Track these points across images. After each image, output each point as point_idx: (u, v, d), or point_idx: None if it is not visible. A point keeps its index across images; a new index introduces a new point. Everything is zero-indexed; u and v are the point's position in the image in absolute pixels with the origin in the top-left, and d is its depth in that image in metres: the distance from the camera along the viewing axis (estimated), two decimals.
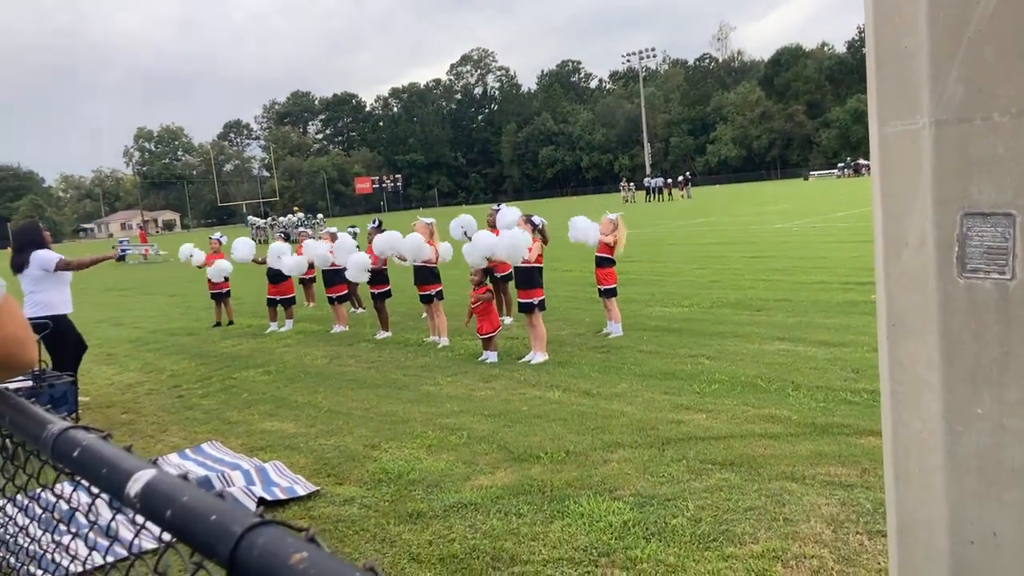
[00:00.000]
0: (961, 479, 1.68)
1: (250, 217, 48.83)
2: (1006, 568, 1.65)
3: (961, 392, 1.66)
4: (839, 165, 64.03)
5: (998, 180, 1.59)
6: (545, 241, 7.53)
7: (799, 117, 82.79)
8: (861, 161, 59.10)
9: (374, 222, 10.09)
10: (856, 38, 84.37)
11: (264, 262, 10.80)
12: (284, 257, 10.43)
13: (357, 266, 8.97)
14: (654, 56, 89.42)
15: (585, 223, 8.08)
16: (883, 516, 3.42)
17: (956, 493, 1.69)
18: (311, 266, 12.94)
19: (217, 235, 12.19)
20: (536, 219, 7.43)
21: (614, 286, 8.33)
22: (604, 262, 8.26)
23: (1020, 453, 1.63)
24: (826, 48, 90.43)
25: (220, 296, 11.85)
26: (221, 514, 0.71)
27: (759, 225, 21.81)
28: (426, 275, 8.65)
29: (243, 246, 10.91)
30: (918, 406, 1.73)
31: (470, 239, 7.86)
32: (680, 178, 54.45)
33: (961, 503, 1.69)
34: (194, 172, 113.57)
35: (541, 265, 7.32)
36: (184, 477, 0.81)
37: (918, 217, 1.69)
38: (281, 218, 43.13)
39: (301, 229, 16.55)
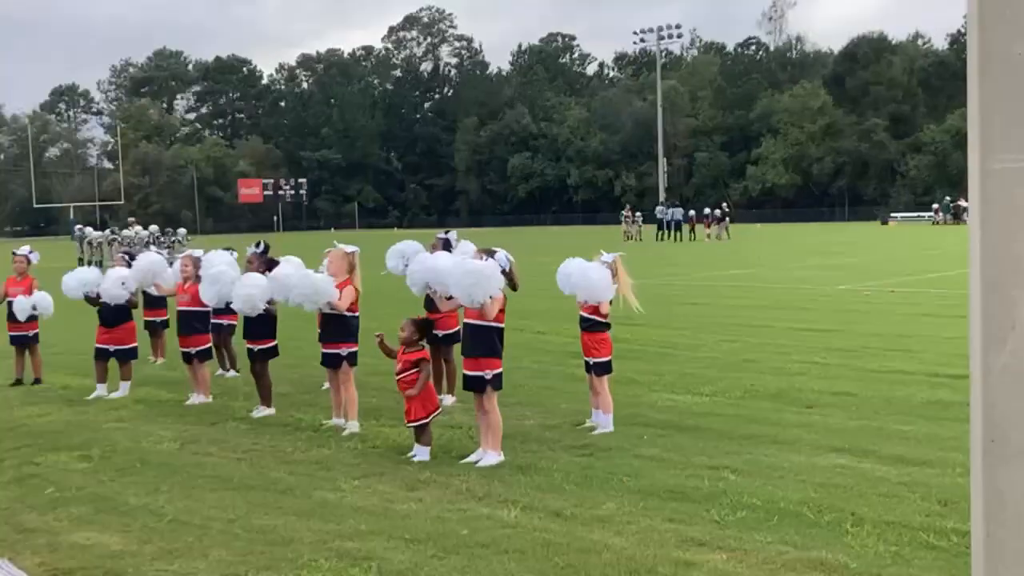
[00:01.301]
0: None
1: (79, 227, 47.83)
2: None
3: None
4: (934, 207, 66.11)
5: None
6: (513, 287, 7.57)
7: (879, 135, 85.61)
8: (963, 203, 60.79)
9: (258, 245, 10.10)
10: (963, 30, 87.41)
11: (98, 298, 10.71)
12: (165, 273, 10.57)
13: (250, 292, 8.93)
14: (679, 36, 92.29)
15: (597, 273, 8.17)
16: None
17: None
18: (159, 302, 12.94)
19: (25, 249, 12.02)
20: (500, 255, 7.47)
21: (608, 359, 8.41)
22: (595, 325, 8.35)
23: None
24: (921, 42, 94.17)
25: (23, 342, 11.68)
26: None
27: (816, 284, 22.30)
28: (336, 328, 8.65)
29: (84, 276, 10.93)
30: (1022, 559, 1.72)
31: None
32: (711, 211, 55.53)
33: None
34: (0, 156, 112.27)
35: (502, 324, 7.37)
36: None
37: None
38: (126, 231, 42.62)
39: (153, 250, 16.39)
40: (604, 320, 8.36)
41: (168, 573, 5.21)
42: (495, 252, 7.46)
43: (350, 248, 8.84)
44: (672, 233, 52.30)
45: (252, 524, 5.98)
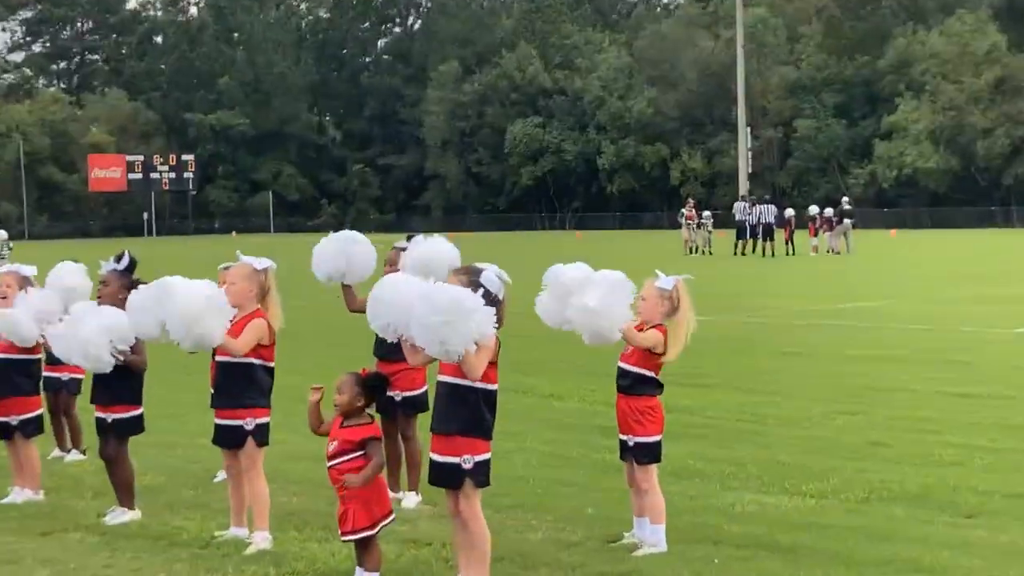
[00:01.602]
0: None
1: None
2: None
3: None
4: None
5: None
6: (499, 322, 7.53)
7: None
8: None
9: (118, 259, 10.11)
10: None
11: None
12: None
13: (91, 339, 8.90)
14: None
15: (613, 281, 8.13)
16: None
17: None
18: None
19: None
20: (491, 274, 7.45)
21: (657, 439, 8.36)
22: (641, 384, 8.32)
23: None
24: None
25: None
26: None
27: (981, 324, 22.28)
28: (236, 386, 8.66)
29: None
30: None
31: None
32: (820, 210, 55.55)
33: None
34: None
35: (493, 386, 7.34)
36: None
37: None
38: None
39: None
40: (656, 378, 8.34)
41: None
42: (481, 271, 7.43)
43: (261, 263, 8.80)
44: (760, 242, 52.39)
45: None
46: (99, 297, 9.35)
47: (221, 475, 10.02)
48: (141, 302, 8.57)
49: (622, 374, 8.38)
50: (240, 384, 8.61)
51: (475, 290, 7.20)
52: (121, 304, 9.17)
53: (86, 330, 8.94)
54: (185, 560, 8.28)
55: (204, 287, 8.42)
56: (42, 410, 10.52)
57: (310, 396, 7.76)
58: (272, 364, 8.81)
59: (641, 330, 8.19)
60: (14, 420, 10.13)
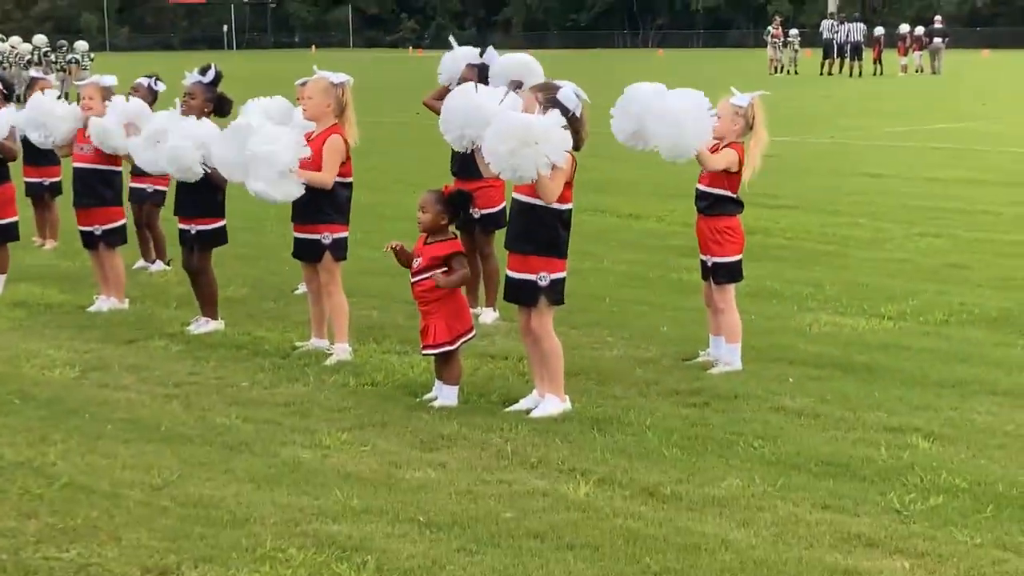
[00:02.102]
0: None
1: None
2: None
3: None
4: None
5: None
6: (577, 144, 7.45)
7: None
8: None
9: (203, 71, 10.11)
10: None
11: None
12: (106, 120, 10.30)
13: (182, 145, 8.94)
14: None
15: (683, 102, 7.95)
16: None
17: None
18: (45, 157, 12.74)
19: None
20: (569, 91, 7.34)
21: (737, 259, 8.37)
22: (719, 204, 8.28)
23: None
24: None
25: None
26: None
27: None
28: (315, 202, 8.67)
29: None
30: None
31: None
32: (910, 29, 54.33)
33: None
34: None
35: (568, 205, 7.34)
36: None
37: None
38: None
39: (32, 72, 16.36)
40: (735, 197, 8.30)
41: (61, 563, 5.33)
42: (559, 88, 7.35)
43: (338, 77, 8.77)
44: (848, 61, 51.44)
45: (187, 494, 6.09)
46: (184, 109, 9.35)
47: (301, 288, 10.17)
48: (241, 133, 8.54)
49: (700, 195, 8.35)
50: (318, 198, 8.64)
51: (553, 107, 7.16)
52: (207, 116, 9.25)
53: (175, 138, 9.02)
54: (267, 370, 8.46)
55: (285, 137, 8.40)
56: (124, 220, 10.66)
57: (387, 249, 7.83)
58: (350, 179, 8.85)
59: (716, 150, 8.12)
60: (98, 230, 10.28)
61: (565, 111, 7.14)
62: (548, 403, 7.36)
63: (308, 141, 8.47)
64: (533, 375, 7.60)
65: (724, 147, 8.15)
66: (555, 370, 7.41)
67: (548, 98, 7.21)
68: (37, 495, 6.11)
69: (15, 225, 11.19)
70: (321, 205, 8.69)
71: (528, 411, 7.35)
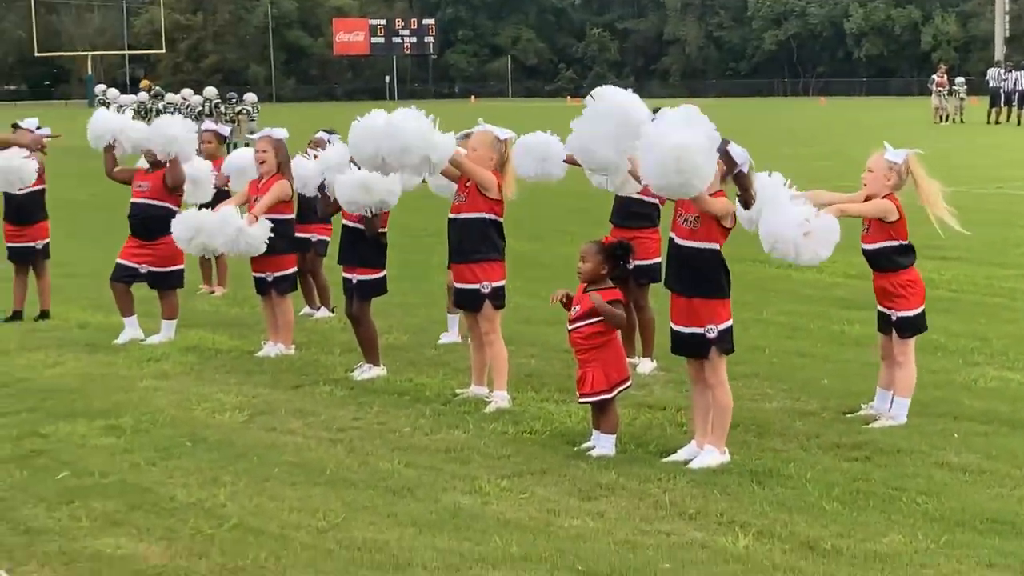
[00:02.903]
0: None
1: (102, 88, 50.37)
2: None
3: None
4: None
5: None
6: (747, 202, 7.40)
7: None
8: None
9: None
10: None
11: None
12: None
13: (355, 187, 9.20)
14: None
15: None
16: None
17: None
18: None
19: (32, 122, 12.45)
20: (737, 151, 7.26)
21: (920, 312, 8.30)
22: (894, 257, 8.23)
23: None
24: None
25: (26, 256, 12.21)
26: None
27: None
28: (471, 243, 8.80)
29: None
30: None
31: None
32: None
33: None
34: None
35: (718, 244, 7.37)
36: None
37: None
38: (170, 96, 44.30)
39: (205, 127, 16.85)
40: (907, 244, 8.22)
41: None
42: (728, 145, 7.25)
43: (504, 133, 8.91)
44: (1014, 110, 50.38)
45: (352, 537, 6.23)
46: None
47: (445, 337, 10.39)
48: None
49: (873, 256, 8.27)
50: (476, 242, 8.75)
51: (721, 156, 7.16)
52: None
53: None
54: (428, 416, 8.59)
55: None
56: (295, 268, 10.93)
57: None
58: (501, 219, 8.83)
59: (868, 200, 8.12)
60: (269, 276, 10.54)
61: (732, 166, 7.18)
62: (707, 454, 7.38)
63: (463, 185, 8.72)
64: (693, 426, 7.62)
65: (882, 190, 8.11)
66: (723, 422, 7.45)
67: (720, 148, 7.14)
68: (208, 535, 6.29)
69: (181, 272, 11.41)
70: (480, 246, 8.77)
71: (686, 462, 7.37)
